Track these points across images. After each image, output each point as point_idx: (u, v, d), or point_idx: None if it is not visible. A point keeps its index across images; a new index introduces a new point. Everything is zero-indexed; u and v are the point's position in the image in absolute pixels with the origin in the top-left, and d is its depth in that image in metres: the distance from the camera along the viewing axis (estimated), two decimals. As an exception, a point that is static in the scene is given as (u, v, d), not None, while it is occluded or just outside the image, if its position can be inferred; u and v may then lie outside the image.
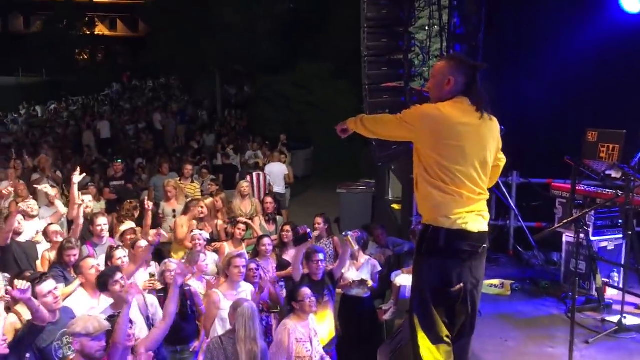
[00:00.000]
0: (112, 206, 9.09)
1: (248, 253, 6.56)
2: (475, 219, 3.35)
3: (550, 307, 5.50)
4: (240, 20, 20.69)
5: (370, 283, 6.18)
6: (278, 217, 8.29)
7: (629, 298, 5.08)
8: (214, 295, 5.17)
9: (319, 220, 7.03)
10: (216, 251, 6.95)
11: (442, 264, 3.38)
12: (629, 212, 5.07)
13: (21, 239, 6.16)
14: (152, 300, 4.93)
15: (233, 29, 20.58)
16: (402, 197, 9.17)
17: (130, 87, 35.55)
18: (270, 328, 5.64)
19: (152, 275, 5.68)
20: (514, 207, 6.96)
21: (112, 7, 47.49)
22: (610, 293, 5.52)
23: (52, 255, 5.95)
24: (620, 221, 5.60)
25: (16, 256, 5.94)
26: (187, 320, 5.30)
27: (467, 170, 3.32)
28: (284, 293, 5.96)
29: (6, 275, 5.50)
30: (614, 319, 4.90)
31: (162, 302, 4.79)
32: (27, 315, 4.35)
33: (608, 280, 5.59)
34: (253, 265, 5.65)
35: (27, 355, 4.09)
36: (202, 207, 7.61)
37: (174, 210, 8.27)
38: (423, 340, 3.41)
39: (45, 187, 7.30)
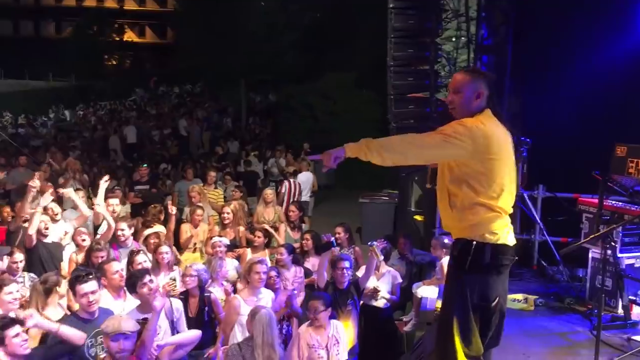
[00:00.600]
0: (137, 210, 9.19)
1: (271, 260, 6.57)
2: (510, 231, 3.40)
3: (575, 323, 5.41)
4: (266, 30, 20.89)
5: (381, 292, 6.13)
6: (303, 226, 8.29)
7: (657, 317, 4.98)
8: (234, 301, 5.20)
9: (339, 229, 7.02)
10: (238, 258, 6.98)
11: (483, 279, 3.37)
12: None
13: (47, 240, 6.26)
14: (178, 304, 4.96)
15: (258, 38, 20.78)
16: (424, 209, 9.11)
17: (156, 93, 36.02)
18: (290, 336, 5.63)
19: (172, 280, 5.71)
20: (539, 221, 6.88)
21: (141, 15, 48.42)
22: (637, 311, 5.41)
23: (79, 257, 6.04)
24: (648, 238, 5.49)
25: (42, 257, 6.05)
26: (203, 326, 5.29)
27: (510, 185, 3.33)
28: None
29: (32, 275, 5.61)
30: (641, 338, 4.81)
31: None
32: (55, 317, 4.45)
33: (635, 298, 5.47)
34: (273, 273, 5.66)
35: None
36: (227, 213, 7.63)
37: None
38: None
39: (69, 192, 7.40)
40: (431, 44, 7.77)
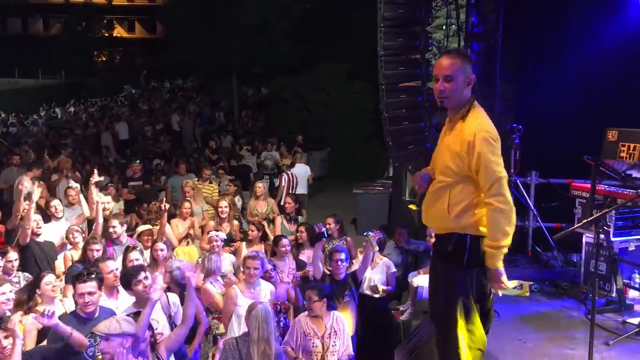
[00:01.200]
0: (131, 206, 9.17)
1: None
2: None
3: (570, 308, 5.43)
4: (258, 22, 20.76)
5: (381, 289, 6.16)
6: (299, 218, 8.29)
7: (651, 299, 5.01)
8: (231, 291, 5.25)
9: (330, 220, 7.03)
10: (234, 252, 6.97)
11: (480, 274, 3.41)
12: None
13: (42, 239, 6.23)
14: (175, 299, 4.95)
15: (250, 30, 20.66)
16: (418, 198, 9.13)
17: (147, 89, 35.82)
18: (287, 329, 5.64)
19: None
20: (533, 208, 6.89)
21: (130, 10, 48.02)
22: (632, 294, 5.44)
23: (74, 255, 6.01)
24: (641, 221, 5.52)
25: (36, 256, 6.03)
26: None
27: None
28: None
29: (27, 275, 5.58)
30: (635, 320, 4.85)
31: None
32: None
33: (629, 282, 5.50)
34: (269, 266, 5.66)
35: None
36: (225, 207, 7.60)
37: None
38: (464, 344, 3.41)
39: (71, 186, 7.36)
40: (421, 33, 7.73)
